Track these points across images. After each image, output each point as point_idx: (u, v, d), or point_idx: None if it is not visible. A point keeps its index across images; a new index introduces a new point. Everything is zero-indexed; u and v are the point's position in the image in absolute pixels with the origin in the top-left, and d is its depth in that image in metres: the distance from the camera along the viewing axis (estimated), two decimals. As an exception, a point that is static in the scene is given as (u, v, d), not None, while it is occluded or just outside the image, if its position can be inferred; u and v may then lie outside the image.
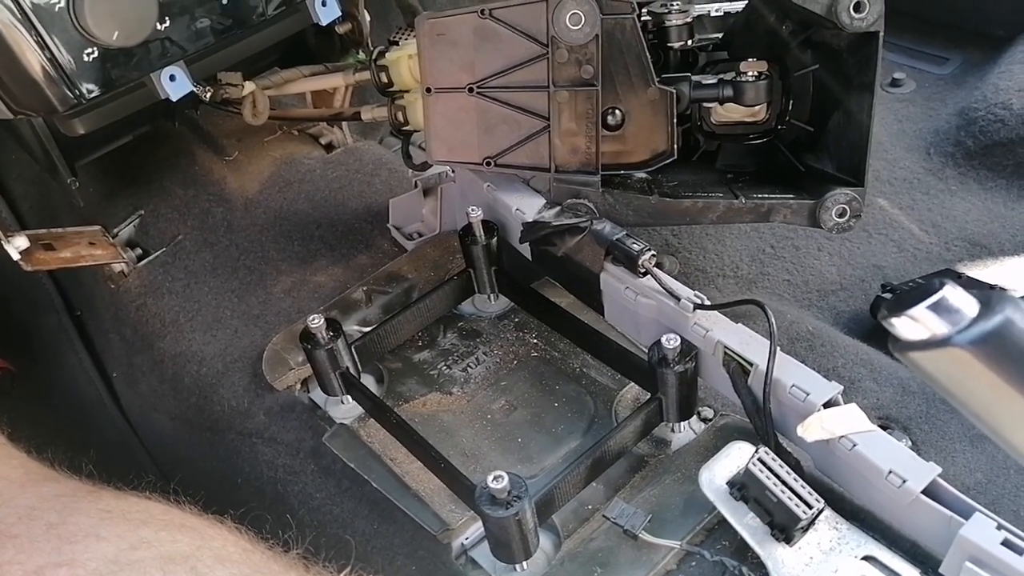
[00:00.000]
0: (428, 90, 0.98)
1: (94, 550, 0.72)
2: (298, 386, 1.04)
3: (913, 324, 0.44)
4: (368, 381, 1.01)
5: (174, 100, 0.99)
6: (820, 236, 1.27)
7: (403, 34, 1.13)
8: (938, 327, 0.44)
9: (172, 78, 0.97)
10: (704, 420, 0.92)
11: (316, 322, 0.92)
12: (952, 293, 0.44)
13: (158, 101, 1.03)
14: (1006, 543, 0.66)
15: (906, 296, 0.45)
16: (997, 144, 1.31)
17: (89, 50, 0.91)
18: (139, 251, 1.27)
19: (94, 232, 1.23)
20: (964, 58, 1.53)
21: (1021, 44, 1.43)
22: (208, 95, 1.07)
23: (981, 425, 0.45)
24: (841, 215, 0.96)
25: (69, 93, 0.92)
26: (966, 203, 1.28)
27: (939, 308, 0.44)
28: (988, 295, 0.43)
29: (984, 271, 1.20)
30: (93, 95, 0.94)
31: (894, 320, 0.45)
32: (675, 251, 1.28)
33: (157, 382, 1.14)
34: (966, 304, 0.44)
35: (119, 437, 1.26)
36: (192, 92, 1.01)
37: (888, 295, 1.12)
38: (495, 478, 0.74)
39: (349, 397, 0.98)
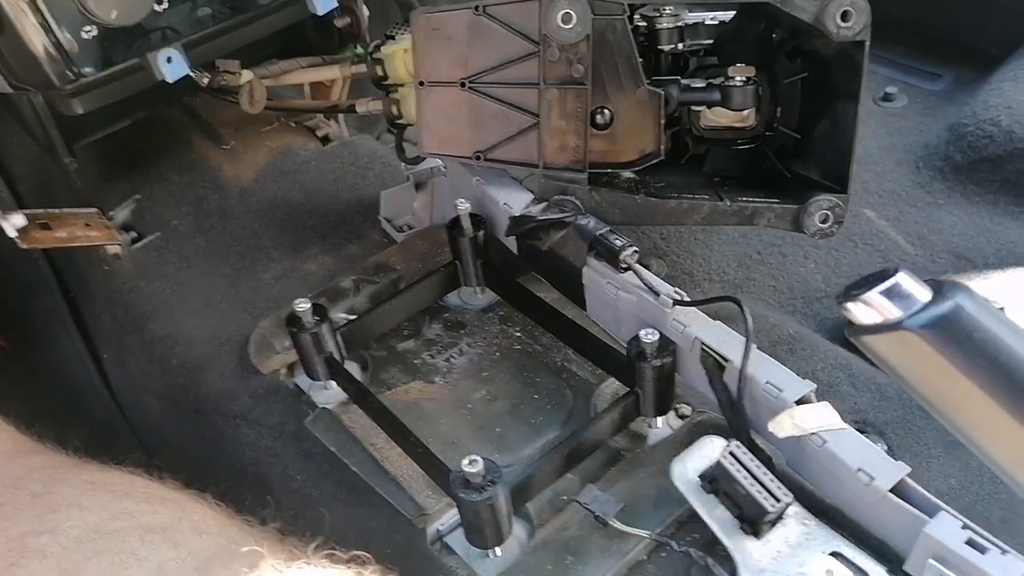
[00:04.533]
0: (421, 83, 0.99)
1: (76, 519, 0.73)
2: (283, 370, 1.05)
3: (867, 309, 0.46)
4: (352, 368, 1.02)
5: (170, 81, 1.00)
6: (807, 244, 1.28)
7: (400, 29, 1.14)
8: (891, 311, 0.45)
9: (169, 60, 0.99)
10: (681, 417, 0.93)
11: (303, 306, 0.94)
12: (905, 280, 0.45)
13: (157, 85, 1.04)
14: (970, 542, 0.67)
15: (862, 283, 0.47)
16: (985, 160, 1.33)
17: (88, 28, 0.93)
18: (134, 234, 1.28)
19: (90, 214, 1.24)
20: (956, 75, 1.55)
21: (1012, 62, 1.45)
22: (205, 81, 1.08)
23: (930, 408, 0.46)
24: (824, 221, 0.97)
25: (67, 70, 0.93)
26: (953, 217, 1.30)
27: (892, 293, 0.45)
28: (940, 283, 0.45)
29: (969, 285, 1.21)
30: (91, 73, 0.96)
31: (849, 305, 0.47)
32: (663, 254, 1.29)
33: (146, 363, 1.16)
34: (918, 290, 0.45)
35: (107, 417, 1.27)
36: (189, 76, 1.03)
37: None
38: (470, 462, 0.75)
39: (333, 383, 0.99)
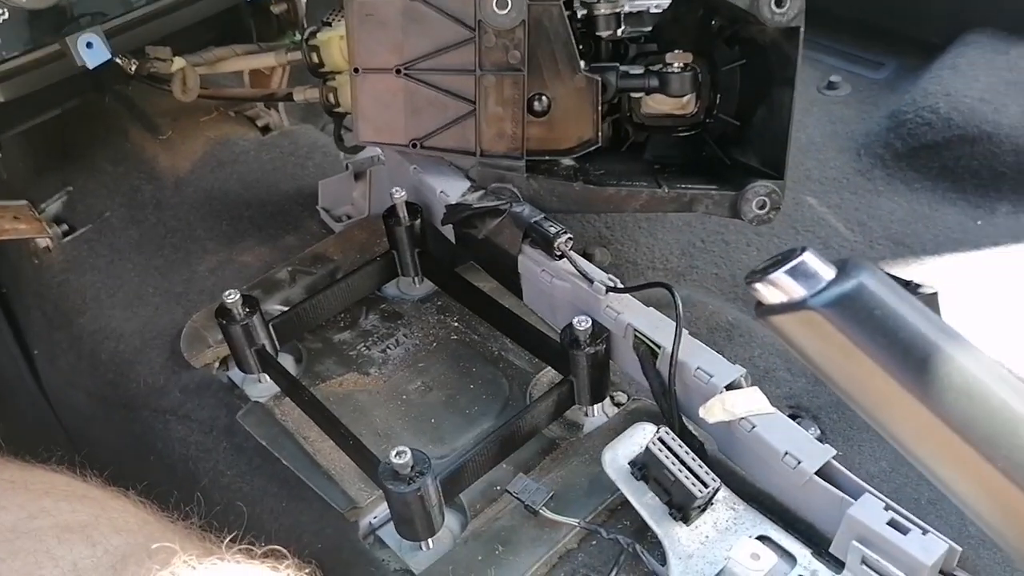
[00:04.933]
0: (356, 70, 0.98)
1: (-7, 519, 0.71)
2: (216, 364, 1.03)
3: (773, 288, 0.45)
4: (287, 361, 1.00)
5: (91, 68, 0.97)
6: (750, 232, 1.29)
7: (336, 15, 1.12)
8: (795, 291, 0.44)
9: (90, 45, 0.95)
10: (617, 404, 0.93)
11: (232, 297, 0.92)
12: (811, 259, 0.45)
13: (84, 73, 1.01)
14: (892, 523, 0.68)
15: (769, 263, 0.46)
16: (924, 147, 1.34)
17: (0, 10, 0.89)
18: (65, 227, 1.25)
19: (20, 207, 1.21)
20: (899, 63, 1.57)
21: (952, 51, 1.47)
22: (134, 67, 1.05)
23: (835, 387, 0.46)
24: (761, 207, 0.97)
25: (-22, 57, 0.90)
26: (892, 203, 1.31)
27: (797, 272, 0.44)
28: (845, 262, 0.44)
29: (906, 270, 1.22)
30: (6, 58, 0.92)
31: (756, 285, 0.46)
32: (607, 243, 1.29)
33: (75, 358, 1.12)
34: (823, 269, 0.44)
35: (36, 414, 1.24)
36: (113, 62, 1.00)
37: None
38: (398, 453, 0.74)
39: (266, 376, 0.97)
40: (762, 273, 0.46)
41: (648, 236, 1.29)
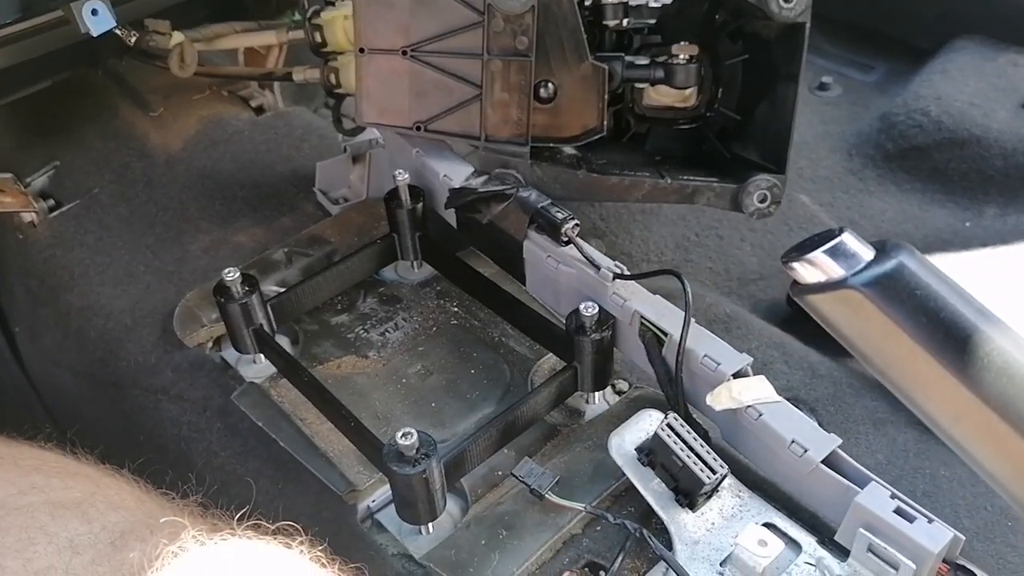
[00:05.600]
0: (361, 50, 0.97)
1: (-21, 495, 0.69)
2: (209, 344, 1.01)
3: (811, 268, 0.45)
4: (283, 342, 0.99)
5: (95, 35, 0.95)
6: (743, 227, 1.30)
7: (340, -5, 1.11)
8: (834, 270, 0.45)
9: (95, 12, 0.93)
10: (618, 392, 0.93)
11: (232, 275, 0.90)
12: (849, 239, 0.45)
13: (79, 44, 0.99)
14: (898, 511, 0.68)
15: (807, 243, 0.46)
16: (914, 148, 1.36)
17: (0, -26, 0.87)
18: (51, 202, 1.22)
19: (4, 179, 1.18)
20: (889, 67, 1.59)
21: (942, 56, 1.49)
22: (133, 40, 1.03)
23: (871, 366, 0.46)
24: (762, 200, 0.98)
25: (-19, 21, 0.88)
26: (883, 203, 1.33)
27: (836, 253, 0.45)
28: (883, 242, 0.44)
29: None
30: (7, 20, 0.89)
31: (794, 264, 0.46)
32: (602, 234, 1.29)
33: (61, 336, 1.10)
34: (862, 249, 0.45)
35: (17, 392, 1.21)
36: (115, 30, 0.97)
37: (804, 285, 1.15)
38: (404, 435, 0.73)
39: (261, 357, 0.96)
40: (799, 252, 0.46)
41: (643, 228, 1.29)
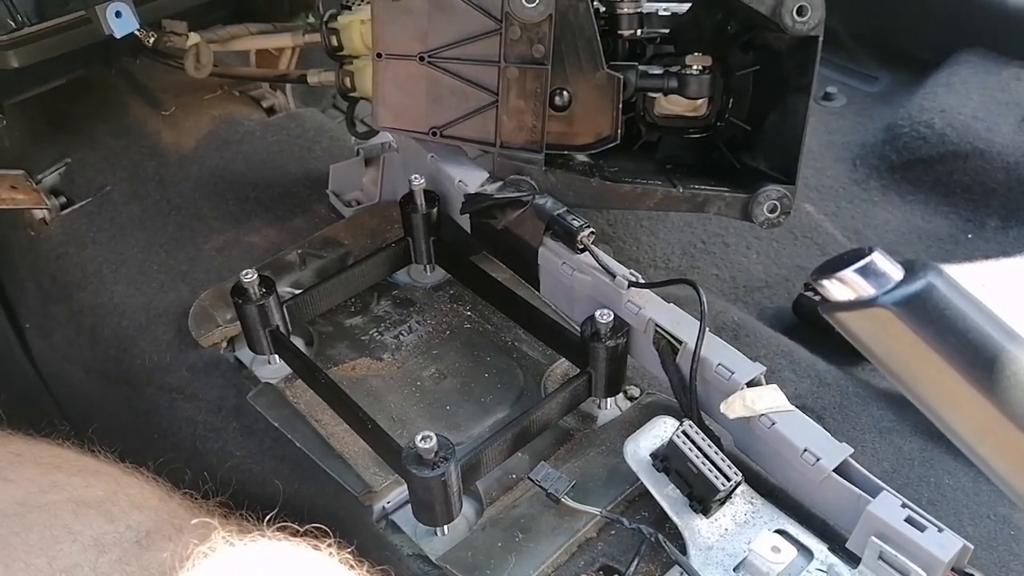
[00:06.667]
0: (379, 55, 0.97)
1: (1, 492, 0.69)
2: (224, 344, 1.02)
3: (841, 286, 0.47)
4: (297, 343, 0.99)
5: (118, 36, 0.95)
6: (749, 235, 1.31)
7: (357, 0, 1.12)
8: (864, 289, 0.46)
9: (118, 14, 0.94)
10: (630, 398, 0.94)
11: (249, 276, 0.91)
12: (879, 259, 0.46)
13: (96, 44, 1.00)
14: (910, 520, 0.70)
15: (836, 261, 0.47)
16: (918, 160, 1.38)
17: (31, -24, 0.88)
18: (63, 199, 1.23)
19: (16, 176, 1.18)
20: (893, 78, 1.61)
21: (946, 68, 1.51)
22: (152, 40, 1.04)
23: (900, 384, 0.47)
24: (772, 211, 1.00)
25: (10, 20, 0.88)
26: (887, 213, 1.34)
27: (866, 271, 0.46)
28: (912, 262, 0.46)
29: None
30: (34, 22, 0.90)
31: (824, 282, 0.47)
32: (610, 240, 1.30)
33: (73, 333, 1.10)
34: (892, 269, 0.46)
35: (29, 390, 1.21)
36: (136, 33, 0.98)
37: (810, 293, 1.17)
38: (423, 438, 0.74)
39: (276, 357, 0.97)
40: (830, 270, 0.47)
41: (650, 235, 1.31)
